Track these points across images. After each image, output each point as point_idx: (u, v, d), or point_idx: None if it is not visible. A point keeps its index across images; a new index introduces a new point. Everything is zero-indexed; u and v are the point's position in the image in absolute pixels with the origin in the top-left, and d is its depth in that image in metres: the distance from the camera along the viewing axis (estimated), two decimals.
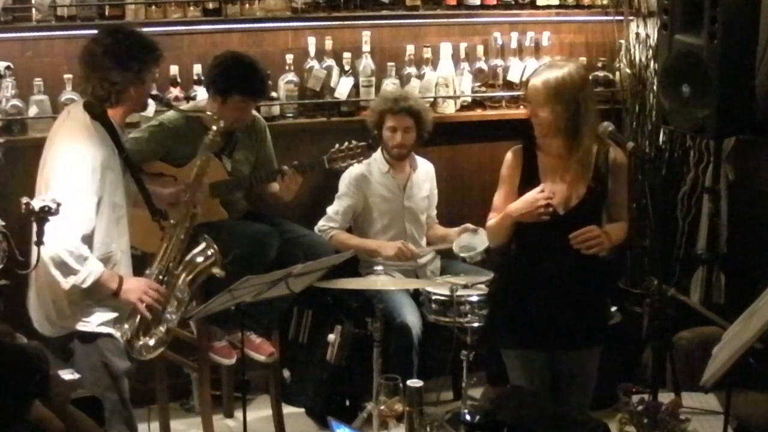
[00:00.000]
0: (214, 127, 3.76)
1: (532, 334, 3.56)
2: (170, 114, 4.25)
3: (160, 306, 3.50)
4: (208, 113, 3.88)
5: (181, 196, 3.71)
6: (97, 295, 3.45)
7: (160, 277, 3.54)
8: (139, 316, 3.50)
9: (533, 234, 3.53)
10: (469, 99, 5.07)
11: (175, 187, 3.80)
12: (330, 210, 4.68)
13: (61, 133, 3.47)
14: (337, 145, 4.31)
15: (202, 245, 3.60)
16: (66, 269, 3.33)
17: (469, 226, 4.65)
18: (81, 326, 3.48)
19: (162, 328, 3.54)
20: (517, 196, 3.54)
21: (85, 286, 3.36)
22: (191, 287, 3.58)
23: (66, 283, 3.35)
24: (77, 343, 3.49)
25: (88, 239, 3.39)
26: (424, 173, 4.80)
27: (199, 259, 3.59)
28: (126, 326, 3.50)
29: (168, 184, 4.16)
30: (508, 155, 3.61)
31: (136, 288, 3.46)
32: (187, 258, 3.59)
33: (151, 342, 3.54)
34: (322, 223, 4.66)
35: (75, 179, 3.36)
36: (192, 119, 4.23)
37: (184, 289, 3.56)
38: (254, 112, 4.43)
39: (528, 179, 3.54)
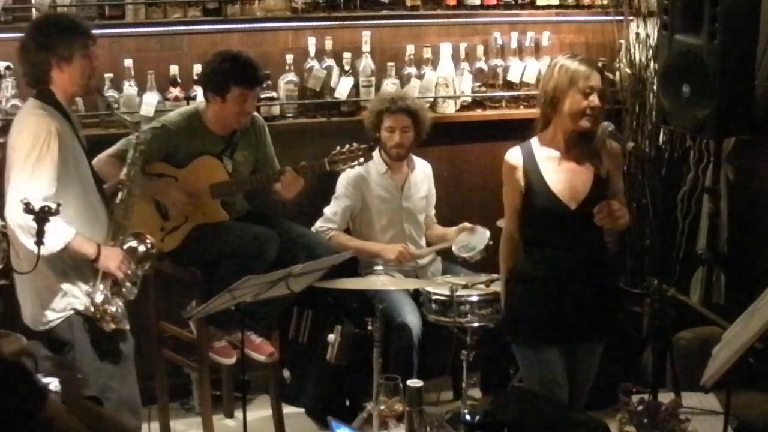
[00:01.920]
0: (138, 134, 3.74)
1: (546, 330, 3.57)
2: (172, 115, 4.25)
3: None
4: (128, 119, 3.86)
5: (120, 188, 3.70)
6: (75, 269, 3.49)
7: None
8: (110, 283, 3.52)
9: (547, 231, 3.55)
10: (469, 99, 5.07)
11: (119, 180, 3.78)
12: (328, 211, 4.67)
13: (18, 121, 3.53)
14: (338, 148, 4.31)
15: (134, 240, 3.63)
16: (32, 233, 3.25)
17: (467, 225, 4.65)
18: (78, 304, 3.51)
19: (121, 302, 3.56)
20: (523, 199, 3.55)
21: (58, 247, 3.35)
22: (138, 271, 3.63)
23: (42, 248, 3.29)
24: (77, 326, 3.51)
25: (50, 200, 3.31)
26: (421, 173, 4.80)
27: (140, 249, 3.64)
28: (96, 291, 3.49)
29: (169, 185, 4.16)
30: (506, 159, 3.60)
31: (115, 256, 3.50)
32: (125, 247, 3.61)
33: (119, 311, 3.54)
34: (319, 224, 4.66)
35: (30, 143, 3.37)
36: (193, 120, 4.23)
37: (137, 271, 3.60)
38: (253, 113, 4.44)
39: (534, 181, 3.53)
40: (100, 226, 3.58)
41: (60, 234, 3.35)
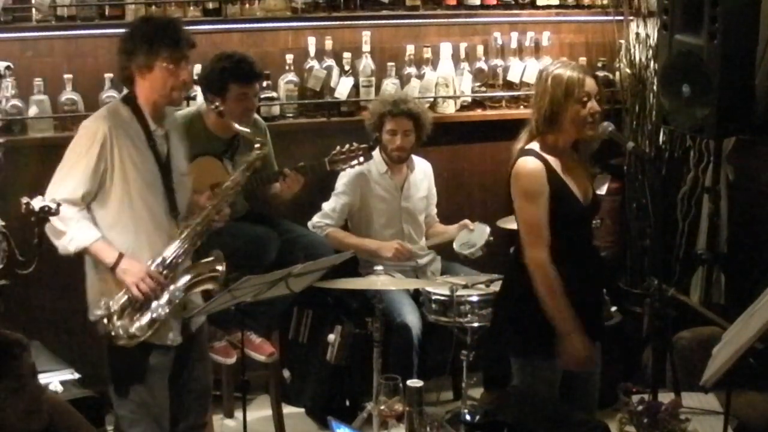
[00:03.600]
0: (258, 150, 3.71)
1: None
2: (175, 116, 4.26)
3: (154, 296, 3.41)
4: (248, 131, 3.80)
5: (207, 201, 3.62)
6: (103, 275, 3.43)
7: (161, 268, 3.45)
8: (128, 297, 3.40)
9: (570, 237, 3.45)
10: (469, 99, 5.07)
11: (207, 194, 3.72)
12: (326, 206, 4.67)
13: None
14: (338, 147, 4.32)
15: (212, 258, 3.55)
16: (53, 231, 3.31)
17: (468, 222, 4.65)
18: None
19: (146, 318, 3.42)
20: (551, 207, 3.41)
21: (72, 249, 3.34)
22: (187, 293, 3.50)
23: (60, 247, 3.35)
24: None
25: (78, 203, 3.36)
26: (421, 173, 4.80)
27: (204, 270, 3.53)
28: (112, 301, 3.40)
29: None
30: (532, 167, 3.38)
31: (136, 271, 3.37)
32: (196, 263, 3.53)
33: (132, 328, 3.41)
34: (316, 219, 4.65)
35: (73, 145, 3.41)
36: (195, 122, 4.23)
37: (179, 290, 3.48)
38: (255, 115, 4.44)
39: (557, 186, 3.42)
40: (151, 236, 3.46)
41: (77, 238, 3.34)
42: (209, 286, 3.55)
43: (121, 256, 3.38)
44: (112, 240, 3.41)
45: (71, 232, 3.33)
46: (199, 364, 3.70)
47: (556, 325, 3.36)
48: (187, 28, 4.54)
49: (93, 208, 3.42)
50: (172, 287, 3.46)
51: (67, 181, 3.35)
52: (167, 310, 3.44)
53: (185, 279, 3.50)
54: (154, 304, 3.42)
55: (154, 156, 3.46)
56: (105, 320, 3.41)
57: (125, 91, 3.52)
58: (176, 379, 3.63)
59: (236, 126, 3.83)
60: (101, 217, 3.42)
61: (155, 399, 3.52)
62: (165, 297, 3.45)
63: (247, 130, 3.80)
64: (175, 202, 3.52)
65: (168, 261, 3.46)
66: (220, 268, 3.53)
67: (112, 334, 3.40)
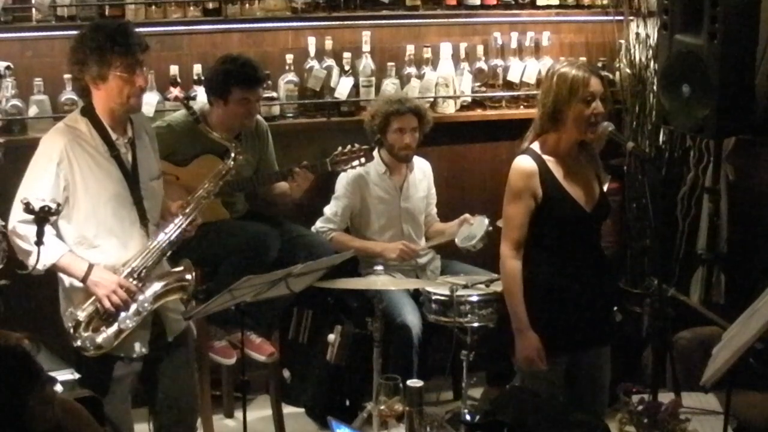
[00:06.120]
0: (232, 160, 3.69)
1: (560, 338, 3.49)
2: (177, 116, 4.28)
3: (124, 307, 3.36)
4: (230, 144, 3.76)
5: (179, 210, 3.57)
6: (72, 288, 3.40)
7: (131, 279, 3.39)
8: (95, 308, 3.36)
9: (568, 239, 3.48)
10: (469, 99, 5.08)
11: (179, 203, 3.63)
12: (328, 211, 4.68)
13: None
14: (339, 148, 4.32)
15: (181, 267, 3.50)
16: (21, 251, 3.29)
17: (467, 216, 4.65)
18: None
19: (112, 329, 3.37)
20: (542, 207, 3.44)
21: (41, 268, 3.26)
22: (155, 303, 3.43)
23: (29, 266, 3.27)
24: None
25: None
26: (420, 173, 4.80)
27: (173, 279, 3.48)
28: (78, 311, 3.36)
29: (170, 184, 4.15)
30: (523, 166, 3.44)
31: (107, 283, 3.32)
32: (164, 272, 3.49)
33: (99, 339, 3.36)
34: (320, 225, 4.66)
35: (33, 162, 3.38)
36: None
37: (148, 301, 3.41)
38: (257, 116, 4.44)
39: (551, 188, 3.43)
40: (120, 247, 3.42)
41: (45, 256, 3.25)
42: (178, 295, 3.50)
43: (91, 267, 3.33)
44: (79, 254, 3.36)
45: (36, 253, 3.22)
46: (180, 377, 3.61)
47: (511, 320, 3.47)
48: (187, 28, 4.59)
49: (59, 223, 3.35)
50: (140, 297, 3.40)
51: (27, 197, 3.24)
52: (135, 321, 3.39)
53: (154, 289, 3.43)
54: (122, 315, 3.36)
55: (118, 166, 3.40)
56: (71, 331, 3.37)
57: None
58: (155, 392, 3.59)
59: (213, 134, 3.82)
60: (67, 233, 3.36)
61: (116, 411, 3.47)
62: (133, 308, 3.38)
63: (231, 144, 3.76)
64: (144, 211, 3.47)
65: (138, 271, 3.40)
66: (189, 277, 3.49)
67: (79, 344, 3.36)
